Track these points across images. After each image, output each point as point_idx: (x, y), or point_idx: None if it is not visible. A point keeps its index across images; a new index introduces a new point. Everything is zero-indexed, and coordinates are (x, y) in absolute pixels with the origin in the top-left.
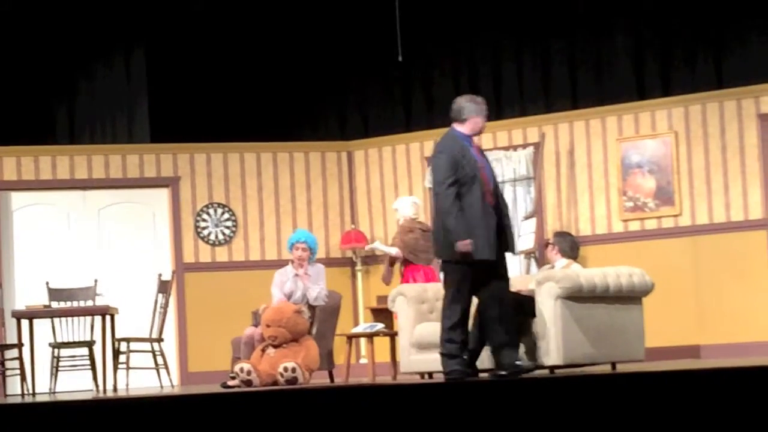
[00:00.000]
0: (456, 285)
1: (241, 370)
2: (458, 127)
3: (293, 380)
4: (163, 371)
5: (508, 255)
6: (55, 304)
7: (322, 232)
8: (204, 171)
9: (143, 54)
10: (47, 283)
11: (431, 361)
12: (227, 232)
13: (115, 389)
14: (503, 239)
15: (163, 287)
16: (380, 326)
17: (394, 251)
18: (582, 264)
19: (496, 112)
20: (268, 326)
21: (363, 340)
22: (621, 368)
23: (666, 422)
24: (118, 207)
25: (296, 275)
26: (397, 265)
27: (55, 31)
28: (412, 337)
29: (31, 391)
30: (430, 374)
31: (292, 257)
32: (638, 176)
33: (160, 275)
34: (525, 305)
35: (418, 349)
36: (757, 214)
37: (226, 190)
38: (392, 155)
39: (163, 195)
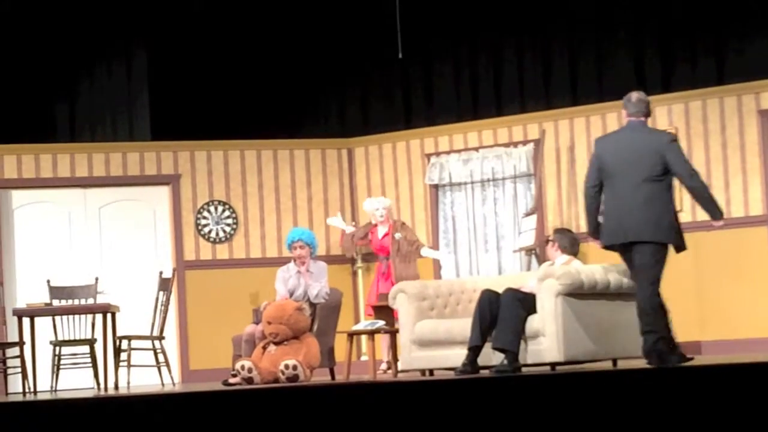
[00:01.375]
0: (661, 267)
1: (242, 367)
2: (646, 121)
3: (294, 378)
4: (164, 369)
5: (510, 252)
6: (56, 302)
7: (322, 229)
8: (205, 168)
9: (144, 52)
10: (48, 281)
11: (432, 358)
12: (228, 229)
13: (116, 387)
14: None
15: (164, 285)
16: (381, 323)
17: (350, 229)
18: (583, 260)
19: (497, 108)
20: (269, 323)
21: (364, 338)
22: (622, 365)
23: (667, 418)
24: (119, 205)
25: (298, 272)
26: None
27: (56, 30)
28: (413, 334)
29: (32, 390)
30: (431, 371)
31: (292, 256)
32: None
33: (161, 273)
34: (526, 302)
35: (418, 346)
36: (758, 210)
37: (226, 187)
38: (392, 152)
39: (163, 193)
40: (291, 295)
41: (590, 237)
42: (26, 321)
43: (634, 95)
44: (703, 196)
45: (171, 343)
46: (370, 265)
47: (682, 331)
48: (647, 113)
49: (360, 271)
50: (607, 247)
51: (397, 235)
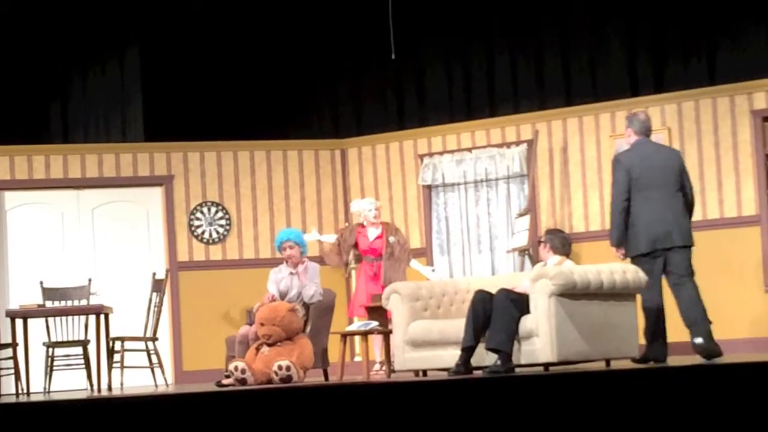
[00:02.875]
0: None
1: (236, 368)
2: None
3: (288, 379)
4: (157, 370)
5: (504, 252)
6: (49, 304)
7: (314, 230)
8: (197, 169)
9: (137, 53)
10: (41, 283)
11: (425, 359)
12: (221, 230)
13: (109, 388)
14: None
15: (157, 286)
16: (374, 324)
17: (331, 238)
18: (576, 261)
19: (490, 109)
20: (262, 325)
21: (357, 338)
22: (615, 365)
23: (660, 419)
24: (112, 206)
25: (291, 273)
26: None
27: (49, 31)
28: (406, 334)
29: (25, 391)
30: (425, 372)
31: (283, 257)
32: None
33: (154, 274)
34: (519, 303)
35: (412, 346)
36: (751, 210)
37: (219, 188)
38: (386, 153)
39: (156, 194)
40: (284, 296)
41: (615, 247)
42: (19, 322)
43: (642, 115)
44: (691, 210)
45: (164, 344)
46: None
47: (676, 330)
48: (650, 132)
49: (354, 273)
50: (641, 255)
51: (392, 239)
